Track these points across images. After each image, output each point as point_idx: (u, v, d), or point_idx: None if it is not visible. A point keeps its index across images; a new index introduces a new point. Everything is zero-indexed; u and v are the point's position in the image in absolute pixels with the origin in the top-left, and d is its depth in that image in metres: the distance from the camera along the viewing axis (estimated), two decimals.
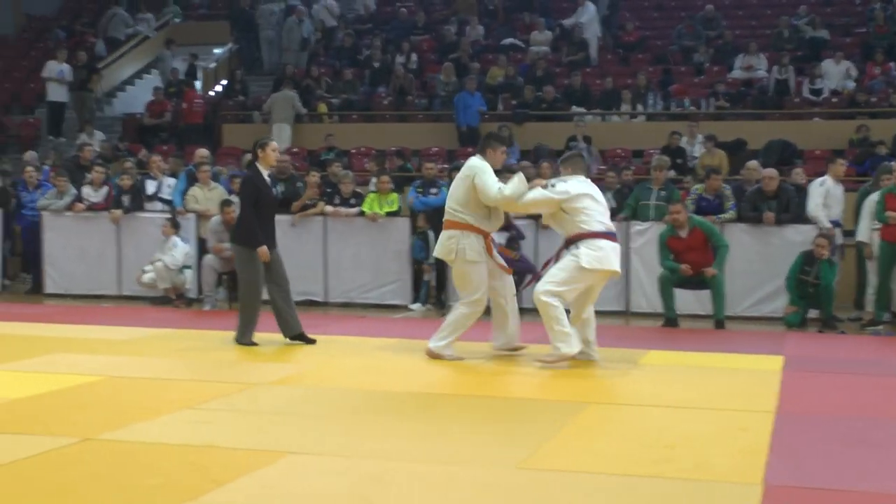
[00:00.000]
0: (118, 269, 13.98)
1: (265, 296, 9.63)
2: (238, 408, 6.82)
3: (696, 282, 11.59)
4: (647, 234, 12.68)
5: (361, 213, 13.48)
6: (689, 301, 12.01)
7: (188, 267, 13.17)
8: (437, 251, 9.03)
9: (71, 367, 8.17)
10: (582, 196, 8.58)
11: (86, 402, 6.95)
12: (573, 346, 8.42)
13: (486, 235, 8.78)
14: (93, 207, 14.15)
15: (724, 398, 7.38)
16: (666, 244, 11.63)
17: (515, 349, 9.08)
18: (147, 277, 13.04)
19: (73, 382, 7.52)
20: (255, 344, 9.43)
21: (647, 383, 7.98)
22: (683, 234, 11.54)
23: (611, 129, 18.85)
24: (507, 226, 12.82)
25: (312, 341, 9.57)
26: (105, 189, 14.29)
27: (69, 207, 14.24)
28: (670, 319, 11.61)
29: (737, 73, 19.74)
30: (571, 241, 8.57)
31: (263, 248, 9.32)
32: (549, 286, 8.41)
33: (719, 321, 11.48)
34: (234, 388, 7.37)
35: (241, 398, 7.11)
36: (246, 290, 9.54)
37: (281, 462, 5.38)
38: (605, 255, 8.50)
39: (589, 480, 5.18)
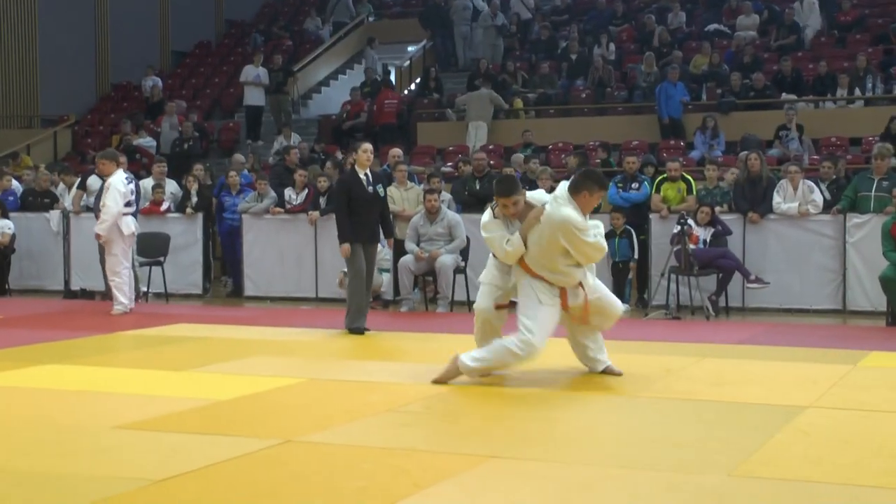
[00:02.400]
0: (315, 271, 14.00)
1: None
2: (439, 410, 6.70)
3: None
4: (866, 227, 11.98)
5: None
6: None
7: (385, 269, 13.11)
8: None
9: (272, 370, 8.16)
10: None
11: (288, 404, 6.96)
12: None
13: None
14: (291, 210, 14.32)
15: None
16: (889, 233, 10.90)
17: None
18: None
19: (275, 384, 7.52)
20: (365, 330, 10.19)
21: (870, 387, 7.40)
22: None
23: (825, 116, 17.83)
24: (712, 221, 12.36)
25: (362, 332, 10.23)
26: (306, 191, 14.43)
27: (268, 210, 14.47)
28: None
29: None
30: None
31: (345, 246, 10.19)
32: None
33: None
34: (434, 391, 7.22)
35: (442, 401, 6.95)
36: (351, 279, 10.36)
37: (482, 466, 5.22)
38: None
39: (808, 489, 4.81)
